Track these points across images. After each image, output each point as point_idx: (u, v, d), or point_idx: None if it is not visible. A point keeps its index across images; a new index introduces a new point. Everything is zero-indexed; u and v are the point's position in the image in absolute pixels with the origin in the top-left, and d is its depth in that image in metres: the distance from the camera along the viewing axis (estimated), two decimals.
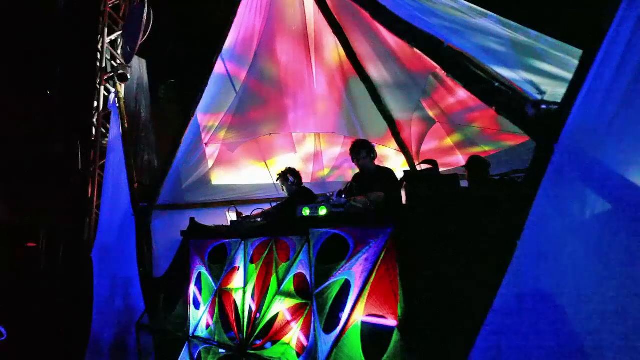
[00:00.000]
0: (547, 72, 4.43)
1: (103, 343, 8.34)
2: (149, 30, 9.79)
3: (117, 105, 9.41)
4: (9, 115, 11.02)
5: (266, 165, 8.55)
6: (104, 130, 10.76)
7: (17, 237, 10.84)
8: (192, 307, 6.18)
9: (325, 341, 4.27)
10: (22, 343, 8.70)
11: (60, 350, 8.91)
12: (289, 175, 6.71)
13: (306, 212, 4.96)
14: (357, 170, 6.08)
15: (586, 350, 2.90)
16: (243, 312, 5.43)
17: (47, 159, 11.03)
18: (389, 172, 5.84)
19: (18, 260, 10.55)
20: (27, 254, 10.80)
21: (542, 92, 3.61)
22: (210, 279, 6.01)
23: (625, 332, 2.73)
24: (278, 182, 6.87)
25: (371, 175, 5.84)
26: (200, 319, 6.00)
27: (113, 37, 11.16)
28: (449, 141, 7.04)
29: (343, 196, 4.90)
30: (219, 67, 7.69)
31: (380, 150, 6.53)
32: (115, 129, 9.33)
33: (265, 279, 5.31)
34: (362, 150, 5.87)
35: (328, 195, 5.21)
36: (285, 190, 6.77)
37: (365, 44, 6.74)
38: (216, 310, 5.81)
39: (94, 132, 10.85)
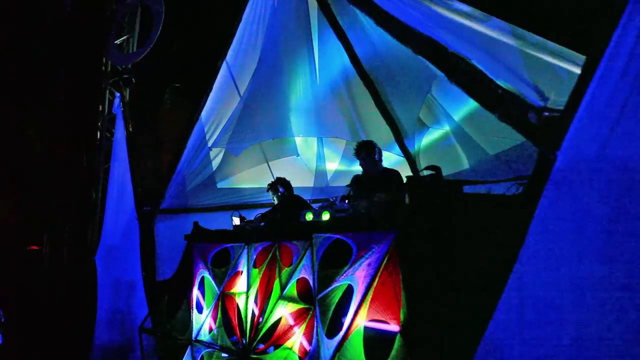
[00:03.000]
0: (550, 78, 4.43)
1: (107, 347, 8.35)
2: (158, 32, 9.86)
3: (122, 109, 9.44)
4: (14, 119, 11.07)
5: (270, 169, 8.57)
6: (108, 134, 10.79)
7: (21, 240, 10.86)
8: (195, 311, 6.19)
9: (328, 346, 4.28)
10: (25, 347, 8.72)
11: (64, 354, 8.92)
12: (279, 186, 6.76)
13: (309, 217, 4.97)
14: (362, 174, 6.05)
15: (588, 355, 2.90)
16: (246, 317, 5.44)
17: (52, 163, 11.06)
18: (396, 174, 5.79)
19: (21, 263, 10.57)
20: (29, 257, 10.82)
21: (545, 99, 3.62)
22: (214, 283, 6.02)
23: (626, 337, 2.74)
24: (269, 192, 6.90)
25: (377, 177, 5.80)
26: (203, 323, 6.01)
27: (118, 41, 11.19)
28: (453, 146, 7.03)
29: (346, 201, 4.90)
30: (223, 72, 7.72)
31: (383, 155, 6.52)
32: (119, 133, 9.36)
33: (268, 283, 5.32)
34: (362, 151, 5.81)
35: (331, 200, 5.22)
36: (276, 200, 6.80)
37: (368, 49, 6.75)
38: (219, 315, 5.82)
39: (98, 136, 10.89)
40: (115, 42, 10.77)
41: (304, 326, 4.74)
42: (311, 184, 8.27)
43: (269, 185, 6.88)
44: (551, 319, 3.07)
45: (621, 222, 2.79)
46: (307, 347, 4.64)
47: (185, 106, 9.88)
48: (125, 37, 10.86)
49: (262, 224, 6.08)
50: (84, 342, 8.68)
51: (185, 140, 7.92)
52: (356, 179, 6.02)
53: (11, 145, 11.01)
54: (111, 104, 10.77)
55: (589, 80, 3.03)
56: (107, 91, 11.06)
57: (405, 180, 5.16)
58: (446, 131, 7.06)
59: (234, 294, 5.73)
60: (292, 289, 4.98)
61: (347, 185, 5.89)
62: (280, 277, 5.17)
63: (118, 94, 10.13)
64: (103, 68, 11.18)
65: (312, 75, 7.50)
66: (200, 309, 6.18)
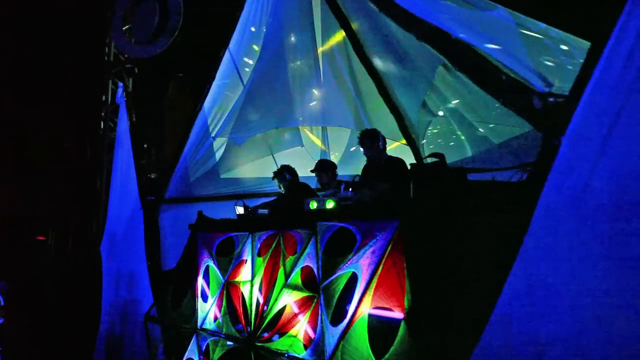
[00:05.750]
0: (555, 64, 4.41)
1: (112, 335, 8.40)
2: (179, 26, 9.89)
3: (125, 99, 9.44)
4: (17, 110, 11.08)
5: (273, 158, 8.56)
6: (111, 124, 10.79)
7: (26, 230, 10.90)
8: (200, 300, 6.21)
9: (332, 333, 4.29)
10: (32, 335, 8.78)
11: (71, 343, 8.98)
12: (286, 173, 6.71)
13: (313, 205, 4.97)
14: (366, 163, 6.05)
15: (594, 342, 2.91)
16: (251, 305, 5.46)
17: (56, 153, 11.08)
18: (400, 162, 5.76)
19: (27, 253, 10.62)
20: (36, 247, 10.87)
21: (549, 85, 3.61)
22: (218, 272, 6.04)
23: (632, 321, 2.74)
24: (275, 180, 6.87)
25: (381, 165, 5.78)
26: (208, 311, 6.03)
27: (124, 29, 11.15)
28: (456, 133, 7.01)
29: (350, 189, 4.90)
30: (226, 60, 7.70)
31: (387, 143, 6.52)
32: (123, 123, 9.36)
33: (273, 272, 5.33)
34: (367, 140, 5.79)
35: (334, 189, 5.21)
36: (282, 188, 6.77)
37: (373, 37, 6.72)
38: (224, 303, 5.84)
39: (102, 126, 10.89)
40: (118, 31, 10.74)
41: (308, 314, 4.75)
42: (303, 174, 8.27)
43: (274, 172, 6.83)
44: (556, 302, 3.07)
45: (625, 207, 2.78)
46: (312, 335, 4.65)
47: (188, 96, 9.86)
48: (128, 26, 10.83)
49: (266, 211, 6.07)
50: (89, 331, 8.74)
51: (188, 130, 7.93)
52: (364, 167, 6.03)
53: (15, 136, 11.04)
54: (114, 94, 10.77)
55: (593, 65, 3.02)
56: (110, 81, 11.05)
57: (409, 167, 5.15)
58: (450, 120, 7.04)
59: (239, 282, 5.74)
60: (296, 277, 4.99)
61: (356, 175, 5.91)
62: (284, 265, 5.17)
63: (121, 84, 10.13)
64: (106, 58, 11.17)
65: (315, 63, 7.48)
66: (205, 298, 6.20)
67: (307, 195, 5.57)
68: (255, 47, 7.53)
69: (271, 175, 7.89)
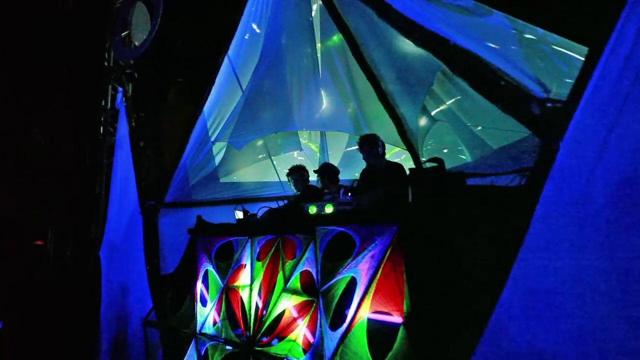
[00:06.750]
0: (553, 70, 4.43)
1: (112, 340, 8.38)
2: (155, 29, 9.89)
3: (125, 104, 9.45)
4: (17, 114, 11.09)
5: (272, 162, 8.58)
6: (111, 129, 10.81)
7: (25, 235, 10.88)
8: (199, 305, 6.21)
9: (332, 338, 4.30)
10: (31, 341, 8.76)
11: (70, 349, 8.96)
12: (303, 172, 6.74)
13: (312, 210, 4.98)
14: (365, 168, 6.08)
15: (593, 347, 2.92)
16: (250, 309, 5.46)
17: (55, 158, 11.08)
18: (399, 168, 5.79)
19: (26, 258, 10.60)
20: (35, 252, 10.85)
21: (547, 90, 3.63)
22: (217, 277, 6.04)
23: (632, 326, 2.75)
24: (289, 177, 6.87)
25: (380, 170, 5.81)
26: (207, 316, 6.03)
27: (120, 36, 11.18)
28: (455, 139, 7.03)
29: (349, 194, 4.91)
30: (225, 66, 7.72)
31: (387, 148, 6.54)
32: (122, 128, 9.36)
33: (272, 276, 5.33)
34: (366, 145, 5.82)
35: (334, 193, 5.23)
36: (294, 186, 6.78)
37: (371, 42, 6.74)
38: (223, 308, 5.84)
39: (101, 131, 10.90)
40: (117, 37, 10.78)
41: (307, 318, 4.75)
42: (314, 177, 8.29)
43: (290, 169, 6.82)
44: (555, 307, 3.08)
45: (623, 213, 2.79)
46: (311, 339, 4.66)
47: (187, 101, 9.88)
48: (127, 31, 10.85)
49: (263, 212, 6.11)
50: (89, 336, 8.72)
51: (188, 134, 7.93)
52: (362, 172, 6.06)
53: (15, 140, 11.03)
54: (114, 99, 10.79)
55: (591, 70, 3.03)
56: (110, 86, 11.07)
57: (408, 172, 5.17)
58: (448, 125, 7.06)
59: (238, 287, 5.75)
60: (295, 281, 4.99)
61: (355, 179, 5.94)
62: (283, 270, 5.18)
63: (120, 89, 10.15)
64: (105, 63, 11.19)
65: (314, 69, 7.49)
66: (204, 302, 6.20)
67: (318, 196, 5.60)
68: (254, 52, 7.54)
69: (270, 179, 7.92)
